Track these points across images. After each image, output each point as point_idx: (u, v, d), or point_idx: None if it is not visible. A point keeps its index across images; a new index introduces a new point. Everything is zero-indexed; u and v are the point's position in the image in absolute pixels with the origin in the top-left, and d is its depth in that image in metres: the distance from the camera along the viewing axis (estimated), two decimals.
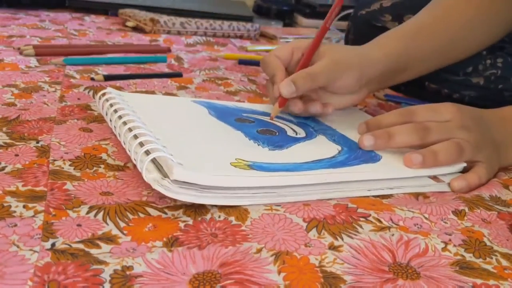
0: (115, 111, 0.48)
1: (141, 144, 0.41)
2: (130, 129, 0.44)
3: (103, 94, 0.52)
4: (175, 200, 0.38)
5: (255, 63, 0.87)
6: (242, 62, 0.87)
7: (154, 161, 0.40)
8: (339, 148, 0.49)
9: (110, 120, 0.48)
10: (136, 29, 1.07)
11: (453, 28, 0.62)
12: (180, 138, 0.45)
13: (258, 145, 0.47)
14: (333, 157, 0.47)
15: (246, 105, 0.61)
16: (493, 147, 0.50)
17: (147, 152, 0.40)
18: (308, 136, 0.52)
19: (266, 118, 0.56)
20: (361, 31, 0.81)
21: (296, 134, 0.52)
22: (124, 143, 0.44)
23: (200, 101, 0.59)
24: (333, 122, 0.57)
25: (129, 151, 0.42)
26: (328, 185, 0.43)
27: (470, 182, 0.47)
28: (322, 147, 0.49)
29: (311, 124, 0.56)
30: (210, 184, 0.38)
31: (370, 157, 0.47)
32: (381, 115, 0.52)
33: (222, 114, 0.54)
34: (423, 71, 0.63)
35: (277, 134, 0.51)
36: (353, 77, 0.55)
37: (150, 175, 0.38)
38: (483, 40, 0.65)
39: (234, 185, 0.39)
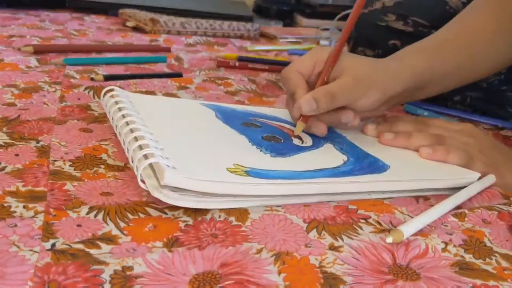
0: (119, 109, 0.48)
1: (139, 148, 0.41)
2: (131, 130, 0.44)
3: (110, 90, 0.52)
4: None
5: (255, 60, 0.87)
6: (242, 59, 0.87)
7: (152, 166, 0.39)
8: (345, 158, 0.47)
9: (112, 118, 0.48)
10: (136, 29, 1.07)
11: (475, 43, 0.60)
12: (181, 141, 0.45)
13: (260, 151, 0.46)
14: (337, 167, 0.45)
15: (256, 108, 0.60)
16: (506, 157, 0.52)
17: (145, 157, 0.39)
18: (315, 145, 0.50)
19: (275, 123, 0.54)
20: (364, 30, 0.81)
21: (302, 142, 0.50)
22: (124, 143, 0.44)
23: (209, 103, 0.58)
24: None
25: (127, 152, 0.42)
26: (328, 194, 0.42)
27: (437, 154, 0.49)
28: (326, 157, 0.47)
29: None
30: (202, 190, 0.37)
31: (377, 167, 0.46)
32: (394, 122, 0.55)
33: (229, 118, 0.53)
34: (443, 89, 0.61)
35: (282, 141, 0.49)
36: (375, 96, 0.52)
37: (149, 181, 0.38)
38: (505, 56, 0.63)
39: (227, 192, 0.38)
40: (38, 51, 0.79)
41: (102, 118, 0.53)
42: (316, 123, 0.52)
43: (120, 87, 0.65)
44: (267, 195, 0.40)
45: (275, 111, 0.59)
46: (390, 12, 0.78)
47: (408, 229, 0.37)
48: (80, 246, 0.33)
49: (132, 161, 0.40)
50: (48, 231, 0.34)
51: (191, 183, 0.37)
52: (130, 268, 0.31)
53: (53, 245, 0.33)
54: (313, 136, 0.52)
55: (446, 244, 0.37)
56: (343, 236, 0.37)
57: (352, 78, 0.51)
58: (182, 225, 0.36)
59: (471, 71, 0.61)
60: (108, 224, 0.36)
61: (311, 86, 0.53)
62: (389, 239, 0.36)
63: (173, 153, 0.41)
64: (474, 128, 0.55)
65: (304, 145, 0.50)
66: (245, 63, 0.85)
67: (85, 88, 0.63)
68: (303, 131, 0.51)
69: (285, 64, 0.70)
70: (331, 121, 0.52)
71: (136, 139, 0.42)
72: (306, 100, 0.49)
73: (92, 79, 0.68)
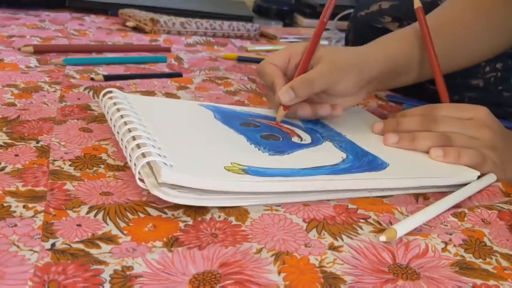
0: (118, 110, 0.48)
1: (137, 147, 0.41)
2: (129, 130, 0.44)
3: (108, 92, 0.52)
4: None
5: (255, 60, 0.87)
6: (242, 59, 0.87)
7: (150, 165, 0.39)
8: (344, 155, 0.47)
9: (111, 119, 0.48)
10: (136, 29, 1.08)
11: (452, 32, 0.61)
12: (178, 141, 0.45)
13: (259, 149, 0.46)
14: (336, 164, 0.45)
15: (255, 109, 0.60)
16: None
17: (143, 155, 0.39)
18: (314, 143, 0.50)
19: (274, 123, 0.54)
20: (361, 32, 0.82)
21: (301, 140, 0.50)
22: (121, 143, 0.44)
23: (207, 104, 0.58)
24: (342, 127, 0.56)
25: (125, 152, 0.42)
26: (327, 192, 0.42)
27: (448, 156, 0.48)
28: (325, 154, 0.47)
29: (320, 130, 0.54)
30: (199, 187, 0.37)
31: (376, 165, 0.46)
32: (400, 118, 0.54)
33: (228, 118, 0.53)
34: (425, 75, 0.62)
35: (280, 139, 0.50)
36: (352, 79, 0.54)
37: (148, 180, 0.38)
38: (487, 49, 0.64)
39: (225, 189, 0.38)
40: (38, 51, 0.79)
41: (102, 118, 0.53)
42: (301, 105, 0.54)
43: (120, 87, 0.65)
44: (265, 192, 0.40)
45: (274, 112, 0.59)
46: (386, 14, 0.78)
47: (401, 227, 0.37)
48: (80, 246, 0.33)
49: (130, 160, 0.40)
50: (48, 231, 0.34)
51: (188, 180, 0.37)
52: (130, 268, 0.31)
53: (53, 244, 0.33)
54: (312, 134, 0.53)
55: (446, 244, 0.37)
56: (343, 236, 0.37)
57: (328, 64, 0.53)
58: (182, 225, 0.36)
59: (451, 60, 0.62)
60: (108, 224, 0.36)
61: (289, 78, 0.54)
62: (383, 238, 0.36)
63: (170, 151, 0.41)
64: (488, 115, 0.52)
65: (303, 142, 0.50)
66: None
67: (85, 88, 0.63)
68: (301, 128, 0.53)
69: None
70: (311, 115, 0.55)
71: (134, 138, 0.42)
72: (284, 91, 0.51)
73: (92, 79, 0.68)
